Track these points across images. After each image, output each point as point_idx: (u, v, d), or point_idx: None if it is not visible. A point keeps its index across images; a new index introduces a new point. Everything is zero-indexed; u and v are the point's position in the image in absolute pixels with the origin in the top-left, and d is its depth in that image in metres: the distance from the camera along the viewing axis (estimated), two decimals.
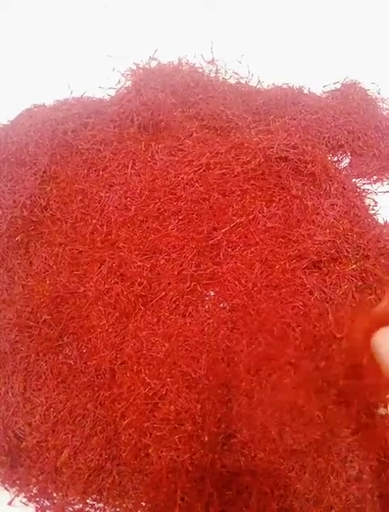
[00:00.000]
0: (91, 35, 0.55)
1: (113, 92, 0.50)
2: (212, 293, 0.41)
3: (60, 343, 0.40)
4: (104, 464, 0.36)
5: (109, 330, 0.39)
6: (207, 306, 0.41)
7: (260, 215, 0.42)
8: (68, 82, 0.50)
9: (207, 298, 0.41)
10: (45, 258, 0.41)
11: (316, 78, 0.52)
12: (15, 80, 0.51)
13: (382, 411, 0.36)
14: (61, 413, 0.37)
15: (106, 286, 0.40)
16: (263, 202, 0.42)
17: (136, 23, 0.56)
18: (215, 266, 0.41)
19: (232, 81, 0.51)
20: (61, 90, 0.49)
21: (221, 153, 0.43)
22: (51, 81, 0.51)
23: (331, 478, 0.35)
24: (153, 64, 0.51)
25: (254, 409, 0.36)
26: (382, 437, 0.37)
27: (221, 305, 0.41)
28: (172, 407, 0.36)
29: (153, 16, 0.57)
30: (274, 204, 0.42)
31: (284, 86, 0.51)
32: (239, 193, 0.42)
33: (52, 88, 0.50)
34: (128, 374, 0.38)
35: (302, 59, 0.53)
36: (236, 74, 0.51)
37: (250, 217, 0.42)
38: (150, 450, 0.35)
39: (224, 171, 0.42)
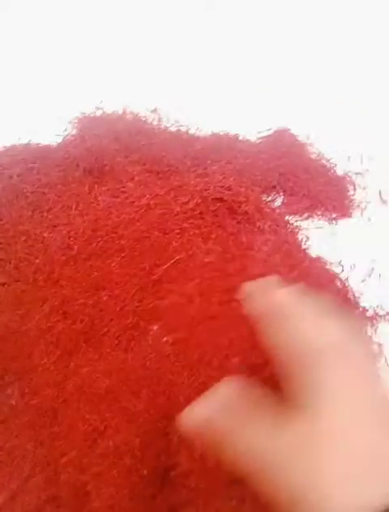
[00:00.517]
0: (39, 83, 0.58)
1: (59, 139, 0.52)
2: (155, 328, 0.43)
3: (1, 383, 0.40)
4: (43, 506, 0.35)
5: (51, 369, 0.39)
6: (150, 341, 0.42)
7: (198, 251, 0.44)
8: (15, 128, 0.52)
9: (151, 333, 0.42)
10: None
11: (250, 125, 0.57)
12: None
13: None
14: (0, 455, 0.36)
15: (48, 324, 0.41)
16: (201, 239, 0.45)
17: (83, 72, 0.60)
18: (157, 301, 0.43)
19: (173, 128, 0.55)
20: (9, 136, 0.52)
21: (161, 194, 0.46)
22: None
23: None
24: (99, 113, 0.54)
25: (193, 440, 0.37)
26: None
27: (164, 339, 0.43)
28: (110, 442, 0.36)
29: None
30: (211, 241, 0.45)
31: (221, 133, 0.55)
32: (178, 231, 0.44)
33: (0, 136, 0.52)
34: (69, 412, 0.38)
35: (237, 108, 0.58)
36: (176, 122, 0.56)
37: (190, 253, 0.44)
38: (88, 487, 0.34)
39: (164, 211, 0.45)
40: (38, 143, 0.51)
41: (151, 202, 0.45)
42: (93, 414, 0.37)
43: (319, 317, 0.26)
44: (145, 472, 0.35)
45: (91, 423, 0.37)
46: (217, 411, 0.26)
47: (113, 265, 0.43)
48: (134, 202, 0.45)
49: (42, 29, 0.63)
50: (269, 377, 0.34)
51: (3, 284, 0.42)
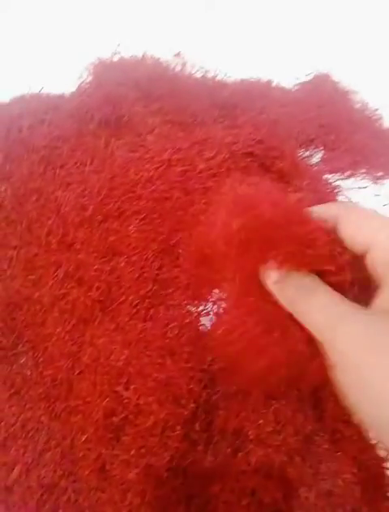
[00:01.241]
0: (52, 26, 0.53)
1: (73, 88, 0.47)
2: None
3: (14, 352, 0.38)
4: (59, 481, 0.34)
5: (66, 338, 0.37)
6: (170, 309, 0.39)
7: None
8: (26, 76, 0.48)
9: (169, 301, 0.39)
10: None
11: (286, 71, 0.50)
12: None
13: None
14: (13, 427, 0.35)
15: (62, 291, 0.38)
16: None
17: (100, 15, 0.54)
18: (176, 269, 0.39)
19: (199, 74, 0.49)
20: (20, 85, 0.47)
21: (184, 149, 0.41)
22: (8, 76, 0.49)
23: (301, 491, 0.33)
24: (116, 58, 0.48)
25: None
26: (356, 448, 0.35)
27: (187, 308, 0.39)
28: (131, 418, 0.34)
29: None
30: None
31: (252, 79, 0.49)
32: (202, 190, 0.40)
33: (9, 85, 0.47)
34: (85, 385, 0.36)
35: (271, 52, 0.51)
36: (202, 67, 0.49)
37: None
38: (107, 466, 0.32)
39: (186, 167, 0.40)
40: (50, 93, 0.46)
41: (173, 157, 0.40)
42: (112, 388, 0.35)
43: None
44: (167, 455, 0.33)
45: (110, 397, 0.34)
46: None
47: (130, 228, 0.39)
48: (153, 157, 0.41)
49: None
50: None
51: (15, 247, 0.39)
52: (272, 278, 0.27)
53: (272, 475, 0.33)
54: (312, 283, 0.26)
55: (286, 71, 0.50)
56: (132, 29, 0.53)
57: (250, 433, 0.34)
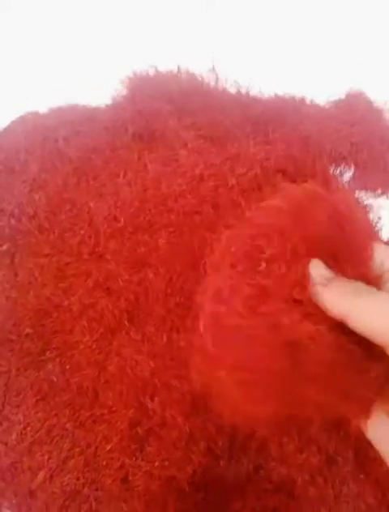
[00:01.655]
0: (89, 42, 0.54)
1: (108, 101, 0.48)
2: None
3: (42, 358, 0.38)
4: (81, 489, 0.34)
5: (93, 347, 0.38)
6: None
7: None
8: (64, 89, 0.49)
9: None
10: (31, 269, 0.40)
11: (319, 88, 0.50)
12: (10, 87, 0.50)
13: None
14: (39, 433, 0.35)
15: (91, 300, 0.38)
16: None
17: (136, 31, 0.55)
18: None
19: (233, 90, 0.49)
20: (58, 97, 0.48)
21: (216, 164, 0.41)
22: (47, 89, 0.50)
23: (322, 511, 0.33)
24: (151, 72, 0.49)
25: None
26: (381, 471, 0.35)
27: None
28: (156, 430, 0.34)
29: (153, 24, 0.55)
30: None
31: (286, 96, 0.49)
32: (232, 206, 0.40)
33: (48, 96, 0.49)
34: (111, 394, 0.36)
35: (305, 69, 0.51)
36: (236, 82, 0.50)
37: None
38: (130, 477, 0.33)
39: (218, 183, 0.41)
40: (86, 105, 0.47)
41: (205, 172, 0.41)
42: (137, 398, 0.35)
43: None
44: (190, 469, 0.33)
45: (135, 408, 0.35)
46: None
47: (159, 241, 0.40)
48: (186, 172, 0.41)
49: None
50: None
51: (47, 255, 0.40)
52: (324, 277, 0.25)
53: (294, 494, 0.33)
54: (367, 287, 0.25)
55: (320, 88, 0.50)
56: (166, 42, 0.53)
57: (272, 450, 0.34)
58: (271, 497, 0.33)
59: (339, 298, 0.24)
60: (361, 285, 0.24)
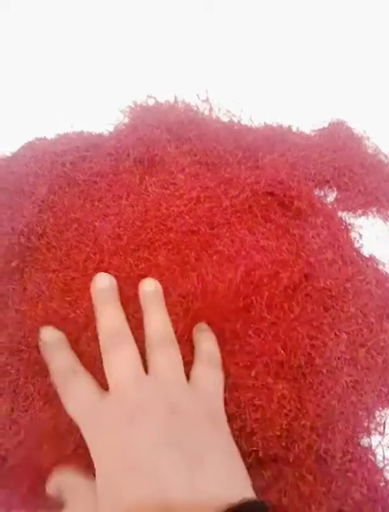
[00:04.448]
0: (92, 72, 0.58)
1: (111, 128, 0.52)
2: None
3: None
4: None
5: (96, 356, 0.40)
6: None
7: (244, 244, 0.43)
8: (70, 117, 0.53)
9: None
10: (39, 284, 0.43)
11: (305, 117, 0.55)
12: (18, 114, 0.54)
13: None
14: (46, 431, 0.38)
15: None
16: (248, 232, 0.44)
17: (136, 62, 0.60)
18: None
19: (225, 119, 0.54)
20: (63, 124, 0.52)
21: (211, 187, 0.45)
22: (54, 116, 0.54)
23: (312, 507, 0.36)
24: (150, 102, 0.54)
25: None
26: (365, 469, 0.37)
27: None
28: None
29: (153, 56, 0.60)
30: (259, 234, 0.44)
31: (274, 124, 0.54)
32: (225, 225, 0.44)
33: (54, 123, 0.53)
34: None
35: (292, 99, 0.56)
36: (229, 112, 0.54)
37: (235, 248, 0.43)
38: None
39: (213, 204, 0.44)
40: (91, 132, 0.51)
41: (201, 194, 0.44)
42: None
43: None
44: None
45: None
46: None
47: (159, 258, 0.43)
48: (183, 194, 0.45)
49: (98, 19, 0.63)
50: None
51: (54, 271, 0.43)
52: None
53: (286, 491, 0.35)
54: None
55: (305, 118, 0.55)
56: (164, 73, 0.58)
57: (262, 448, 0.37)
58: (263, 494, 0.36)
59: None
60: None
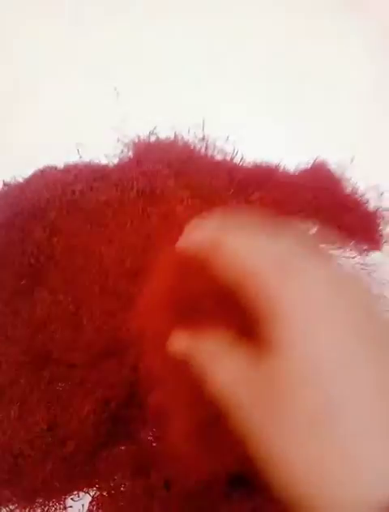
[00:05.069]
0: (99, 109, 0.64)
1: (116, 160, 0.57)
2: None
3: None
4: None
5: None
6: None
7: None
8: (77, 148, 0.58)
9: None
10: (47, 303, 0.46)
11: (290, 155, 0.61)
12: (28, 142, 0.59)
13: None
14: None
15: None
16: None
17: (140, 101, 0.65)
18: None
19: (220, 157, 0.60)
20: (73, 155, 0.57)
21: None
22: (62, 145, 0.59)
23: None
24: (152, 138, 0.59)
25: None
26: None
27: None
28: None
29: (155, 97, 0.66)
30: None
31: (263, 163, 0.60)
32: None
33: (62, 152, 0.57)
34: None
35: (278, 142, 0.63)
36: (222, 150, 0.60)
37: None
38: None
39: None
40: (98, 163, 0.56)
41: None
42: None
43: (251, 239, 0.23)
44: None
45: None
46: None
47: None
48: (182, 224, 0.50)
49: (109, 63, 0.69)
50: None
51: (61, 291, 0.47)
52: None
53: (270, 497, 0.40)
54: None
55: (290, 158, 0.61)
56: (167, 110, 0.64)
57: None
58: (250, 500, 0.40)
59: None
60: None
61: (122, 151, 0.58)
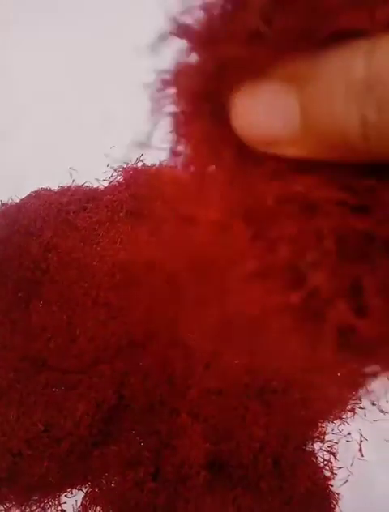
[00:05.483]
0: (89, 136, 0.69)
1: (106, 183, 0.63)
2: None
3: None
4: None
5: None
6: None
7: None
8: (70, 171, 0.63)
9: None
10: (42, 315, 0.50)
11: None
12: (20, 164, 0.63)
13: None
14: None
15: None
16: None
17: (129, 129, 0.71)
18: None
19: None
20: (66, 178, 0.62)
21: None
22: (55, 169, 0.64)
23: (269, 498, 0.44)
24: (140, 164, 0.65)
25: None
26: (310, 468, 0.46)
27: None
28: None
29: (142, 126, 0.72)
30: None
31: None
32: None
33: (55, 174, 0.62)
34: None
35: None
36: None
37: None
38: None
39: None
40: (90, 186, 0.61)
41: None
42: None
43: None
44: None
45: None
46: None
47: (144, 293, 0.52)
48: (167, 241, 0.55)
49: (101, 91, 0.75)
50: None
51: (56, 303, 0.51)
52: None
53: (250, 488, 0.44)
54: None
55: None
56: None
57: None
58: (231, 491, 0.43)
59: None
60: None
61: (112, 176, 0.63)
